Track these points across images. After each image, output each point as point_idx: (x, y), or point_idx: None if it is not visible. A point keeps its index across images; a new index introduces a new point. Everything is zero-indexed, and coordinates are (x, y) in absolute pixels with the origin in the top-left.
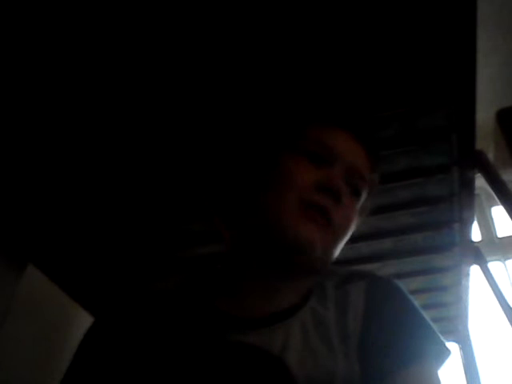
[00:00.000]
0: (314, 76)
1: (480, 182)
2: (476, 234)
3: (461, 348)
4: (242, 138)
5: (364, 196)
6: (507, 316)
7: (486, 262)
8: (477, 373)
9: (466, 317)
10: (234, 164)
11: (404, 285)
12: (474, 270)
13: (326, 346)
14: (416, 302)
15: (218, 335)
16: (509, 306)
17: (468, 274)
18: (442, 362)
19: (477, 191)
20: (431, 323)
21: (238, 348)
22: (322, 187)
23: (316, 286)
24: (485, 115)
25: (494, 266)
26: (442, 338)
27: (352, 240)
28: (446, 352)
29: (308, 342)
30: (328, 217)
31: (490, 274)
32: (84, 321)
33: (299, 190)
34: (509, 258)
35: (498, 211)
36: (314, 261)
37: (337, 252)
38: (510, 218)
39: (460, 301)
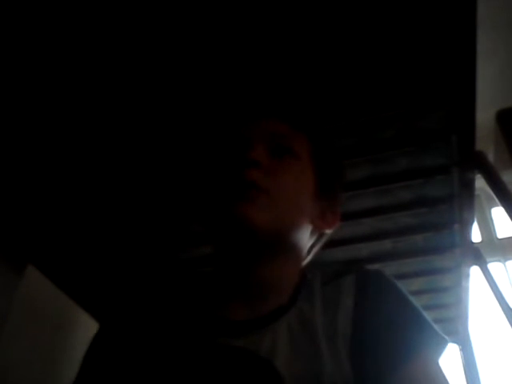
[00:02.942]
0: (311, 78)
1: (480, 182)
2: (476, 235)
3: (461, 349)
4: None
5: (303, 151)
6: (507, 317)
7: (486, 263)
8: (477, 374)
9: (466, 318)
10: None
11: (404, 286)
12: (474, 271)
13: (312, 346)
14: (407, 292)
15: (208, 339)
16: (509, 306)
17: (468, 275)
18: (441, 352)
19: (477, 192)
20: (424, 313)
21: (228, 351)
22: (242, 165)
23: (303, 285)
24: (485, 115)
25: (494, 266)
26: (436, 327)
27: (352, 241)
28: (444, 341)
29: (295, 344)
30: (257, 187)
31: (490, 275)
32: (84, 321)
33: (227, 179)
34: (509, 259)
35: (497, 212)
36: (263, 233)
37: (295, 216)
38: (509, 219)
39: (460, 302)
